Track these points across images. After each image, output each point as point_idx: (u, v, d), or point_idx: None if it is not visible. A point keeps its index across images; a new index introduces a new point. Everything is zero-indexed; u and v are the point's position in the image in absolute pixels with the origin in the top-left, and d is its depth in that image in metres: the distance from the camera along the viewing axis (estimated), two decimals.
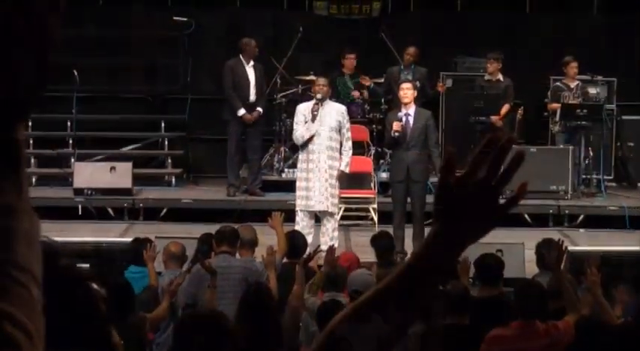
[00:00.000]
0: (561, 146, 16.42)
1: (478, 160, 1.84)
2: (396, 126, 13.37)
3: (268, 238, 10.45)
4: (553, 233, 12.77)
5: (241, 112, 15.73)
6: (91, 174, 16.04)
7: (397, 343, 2.11)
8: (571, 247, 10.20)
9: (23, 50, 1.52)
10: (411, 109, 13.56)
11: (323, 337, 1.92)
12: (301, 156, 13.59)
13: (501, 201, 1.85)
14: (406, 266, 1.92)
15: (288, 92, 16.82)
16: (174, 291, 8.63)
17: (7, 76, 1.53)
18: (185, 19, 17.55)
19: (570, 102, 16.54)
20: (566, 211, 15.76)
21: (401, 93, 13.73)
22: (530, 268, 10.77)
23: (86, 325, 1.81)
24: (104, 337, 1.84)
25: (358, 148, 15.21)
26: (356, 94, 16.89)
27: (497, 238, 11.36)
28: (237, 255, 9.88)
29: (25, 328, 1.44)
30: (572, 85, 16.71)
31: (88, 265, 10.19)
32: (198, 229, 11.78)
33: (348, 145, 13.49)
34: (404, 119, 13.46)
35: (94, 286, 1.88)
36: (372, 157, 16.26)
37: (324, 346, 1.91)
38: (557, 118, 16.66)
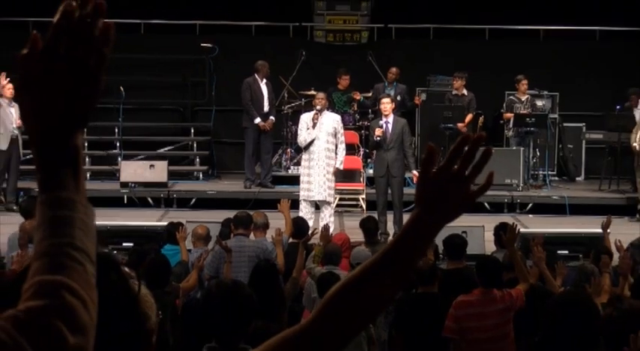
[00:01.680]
0: (514, 148, 16.44)
1: (453, 155, 1.82)
2: (378, 132, 13.43)
3: (278, 222, 10.44)
4: (507, 218, 12.78)
5: (257, 120, 15.81)
6: (134, 170, 16.08)
7: (385, 309, 2.10)
8: (522, 230, 10.18)
9: (86, 74, 1.54)
10: (390, 118, 13.59)
11: (321, 305, 1.89)
12: (304, 156, 13.60)
13: (472, 189, 1.85)
14: (392, 244, 1.89)
15: (293, 104, 16.81)
16: (202, 265, 8.64)
17: (72, 97, 1.54)
18: (210, 45, 17.60)
19: (521, 112, 16.57)
20: (518, 200, 15.78)
21: (381, 106, 13.79)
22: (489, 246, 10.76)
23: (119, 301, 1.81)
24: (135, 311, 1.83)
25: (350, 149, 15.20)
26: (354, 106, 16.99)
27: (461, 221, 11.24)
28: (252, 236, 9.90)
29: (81, 296, 1.44)
30: (523, 98, 16.74)
31: (132, 244, 10.20)
32: (220, 215, 11.77)
33: (341, 147, 13.50)
34: (384, 126, 13.49)
35: (126, 269, 1.88)
36: (361, 156, 16.26)
37: (323, 312, 1.88)
38: (511, 125, 16.71)
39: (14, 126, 14.65)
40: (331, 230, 11.93)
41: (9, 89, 14.53)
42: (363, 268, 1.88)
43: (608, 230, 9.94)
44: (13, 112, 14.52)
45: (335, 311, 1.86)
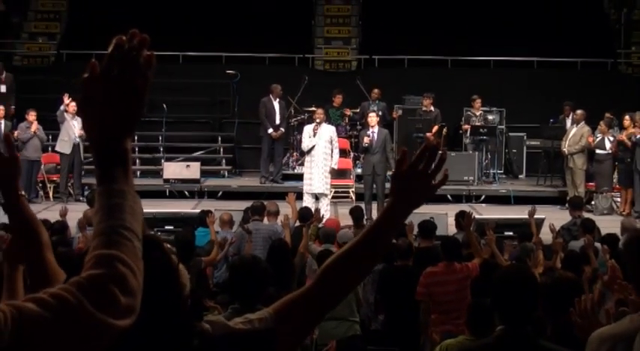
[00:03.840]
0: (470, 152, 16.46)
1: (419, 158, 1.90)
2: (365, 139, 13.49)
3: (286, 210, 10.43)
4: (465, 207, 12.75)
5: (270, 130, 15.83)
6: (174, 170, 16.10)
7: (367, 276, 2.14)
8: (476, 216, 10.18)
9: (133, 93, 1.54)
10: (375, 129, 13.62)
11: (319, 274, 1.95)
12: (307, 158, 13.62)
13: (433, 183, 1.92)
14: (373, 226, 1.94)
15: (298, 118, 16.80)
16: (222, 244, 8.61)
17: (122, 110, 1.54)
18: (234, 71, 17.60)
19: (476, 124, 16.58)
20: (473, 193, 15.79)
21: (369, 119, 13.88)
22: (451, 229, 10.78)
23: (162, 273, 1.82)
24: (175, 281, 1.84)
25: (342, 153, 15.21)
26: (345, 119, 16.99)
27: (431, 210, 11.35)
28: (266, 221, 9.89)
29: (130, 266, 1.43)
30: (477, 113, 16.74)
31: (172, 227, 10.19)
32: (241, 205, 11.76)
33: (336, 151, 13.55)
34: (371, 135, 13.52)
35: (168, 246, 1.89)
36: (351, 159, 16.28)
37: (319, 280, 1.93)
38: (468, 134, 16.71)
39: (76, 135, 14.84)
40: (327, 216, 12.00)
41: (72, 106, 14.81)
42: (351, 245, 1.93)
43: (542, 217, 9.94)
44: (76, 124, 14.83)
45: (329, 278, 1.92)
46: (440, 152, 1.92)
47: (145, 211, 1.60)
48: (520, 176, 17.63)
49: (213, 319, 1.91)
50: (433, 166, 1.90)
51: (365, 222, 11.79)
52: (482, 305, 4.43)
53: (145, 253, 1.46)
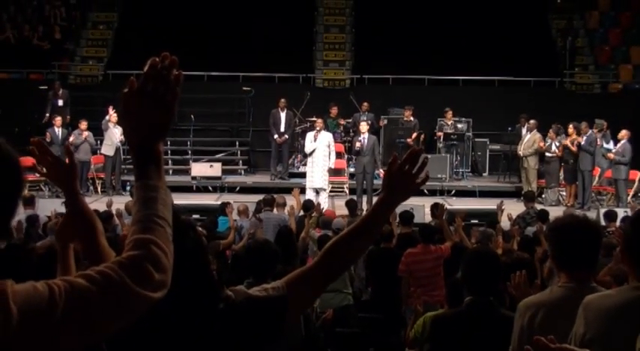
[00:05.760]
0: (443, 154, 16.43)
1: (405, 161, 1.96)
2: (357, 144, 13.50)
3: (292, 202, 10.40)
4: (438, 199, 12.75)
5: (275, 136, 15.81)
6: (200, 169, 16.09)
7: (361, 256, 2.17)
8: (447, 207, 10.15)
9: (165, 105, 1.53)
10: (366, 135, 13.63)
11: (321, 253, 1.96)
12: (309, 159, 13.63)
13: (417, 181, 1.98)
14: (367, 215, 1.98)
15: (301, 126, 16.80)
16: (235, 228, 8.58)
17: (156, 119, 1.53)
18: (249, 88, 17.61)
19: (448, 132, 16.57)
20: (446, 188, 15.76)
21: (360, 127, 13.87)
22: (427, 218, 10.76)
23: (195, 250, 1.83)
24: (205, 255, 1.87)
25: (338, 155, 15.18)
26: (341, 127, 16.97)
27: (410, 201, 11.33)
28: (275, 211, 9.88)
29: (163, 249, 1.43)
30: (449, 123, 16.73)
31: (197, 216, 10.17)
32: (255, 197, 11.74)
33: (333, 154, 13.58)
34: (361, 140, 13.53)
35: (200, 228, 1.92)
36: (345, 160, 16.26)
37: (323, 258, 1.94)
38: (441, 140, 16.68)
39: (118, 140, 14.96)
40: (325, 207, 11.98)
41: (114, 116, 15.02)
42: (349, 230, 1.96)
43: (503, 207, 9.94)
44: (117, 132, 14.99)
45: (331, 256, 1.94)
46: (423, 156, 1.97)
47: (175, 202, 1.59)
48: (484, 174, 17.62)
49: (236, 288, 1.94)
50: (417, 167, 1.95)
51: (358, 212, 11.80)
52: (458, 284, 4.42)
53: (183, 233, 1.48)
